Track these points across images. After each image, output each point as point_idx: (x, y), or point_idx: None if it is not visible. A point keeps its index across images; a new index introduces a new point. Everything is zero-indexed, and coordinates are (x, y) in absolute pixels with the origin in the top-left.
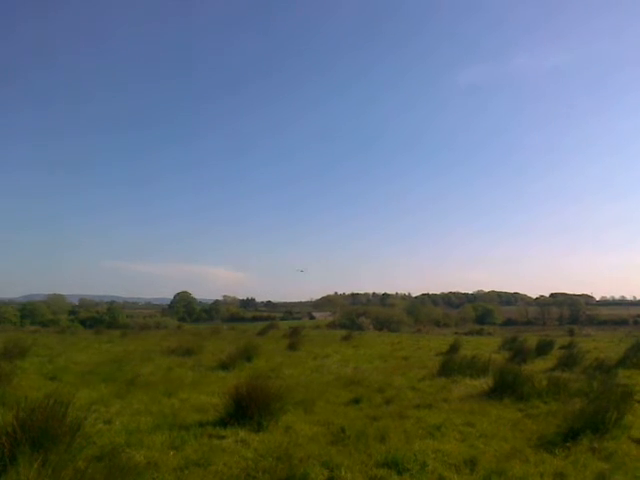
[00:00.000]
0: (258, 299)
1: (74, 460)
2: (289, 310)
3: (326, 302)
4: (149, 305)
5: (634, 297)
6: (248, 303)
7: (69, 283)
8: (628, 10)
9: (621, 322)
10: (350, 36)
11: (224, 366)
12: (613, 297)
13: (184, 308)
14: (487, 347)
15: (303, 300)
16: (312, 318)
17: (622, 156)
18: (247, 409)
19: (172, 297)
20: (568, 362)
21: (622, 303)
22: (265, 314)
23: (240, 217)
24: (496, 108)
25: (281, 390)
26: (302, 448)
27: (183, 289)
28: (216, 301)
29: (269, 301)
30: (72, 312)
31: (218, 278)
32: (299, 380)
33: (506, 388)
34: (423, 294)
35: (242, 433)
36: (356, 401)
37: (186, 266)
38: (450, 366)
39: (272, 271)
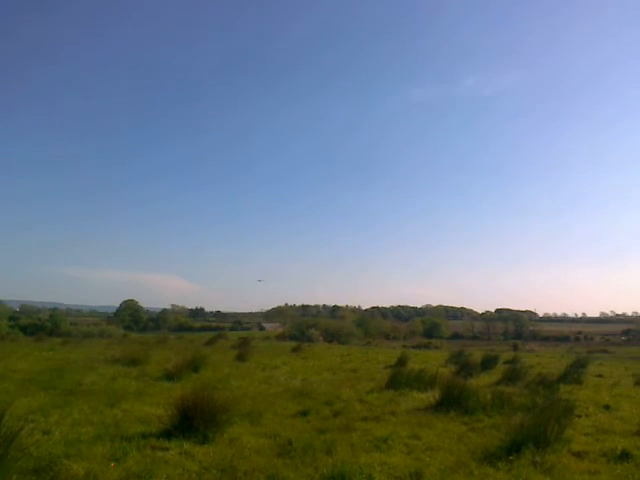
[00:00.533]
0: (207, 309)
1: (8, 473)
2: (238, 320)
3: (276, 313)
4: (94, 313)
5: (575, 314)
6: (197, 313)
7: (9, 288)
8: (569, 31)
9: (563, 338)
10: (303, 49)
11: (170, 376)
12: (555, 314)
13: (130, 317)
14: (434, 361)
15: (253, 311)
16: (262, 329)
17: (562, 173)
18: (192, 420)
19: (118, 305)
20: (512, 377)
21: (564, 320)
22: (214, 324)
23: (190, 227)
24: (445, 125)
25: (228, 401)
26: (248, 460)
27: (130, 297)
28: (164, 310)
29: (218, 311)
30: (12, 318)
31: (167, 287)
32: (247, 391)
33: (452, 402)
34: (373, 307)
35: (187, 445)
36: (304, 413)
37: (134, 274)
38: (398, 379)
39: (222, 281)
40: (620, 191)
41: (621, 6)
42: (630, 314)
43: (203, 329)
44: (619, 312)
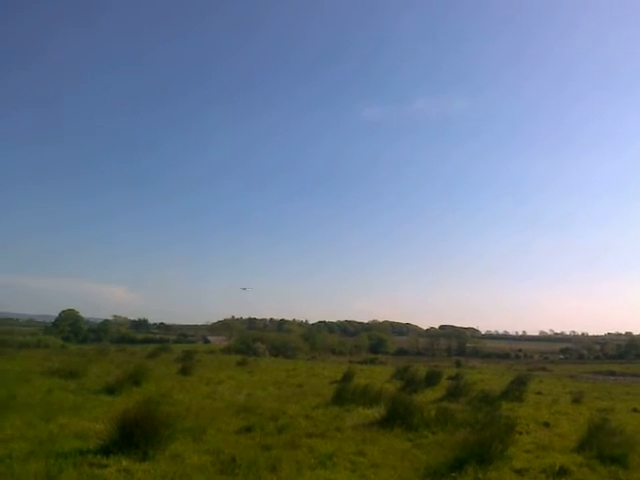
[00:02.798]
0: (151, 320)
1: None
2: (183, 333)
3: (222, 326)
4: (31, 322)
5: (516, 332)
6: (140, 324)
7: None
8: (517, 59)
9: (504, 355)
10: (260, 65)
11: (110, 390)
12: (497, 331)
13: (70, 327)
14: (380, 376)
15: (199, 323)
16: (207, 342)
17: (516, 194)
18: (133, 436)
19: (57, 315)
20: (455, 393)
21: (505, 337)
22: (157, 336)
23: (133, 234)
24: (399, 147)
25: (170, 417)
26: (189, 478)
27: (70, 307)
28: (105, 321)
29: (162, 323)
30: None
31: (109, 297)
32: (190, 406)
33: (397, 418)
34: (320, 321)
35: (126, 462)
36: (248, 429)
37: (74, 282)
38: (344, 395)
39: (167, 292)
40: (567, 213)
41: (562, 34)
42: (568, 333)
43: (146, 341)
44: (557, 331)
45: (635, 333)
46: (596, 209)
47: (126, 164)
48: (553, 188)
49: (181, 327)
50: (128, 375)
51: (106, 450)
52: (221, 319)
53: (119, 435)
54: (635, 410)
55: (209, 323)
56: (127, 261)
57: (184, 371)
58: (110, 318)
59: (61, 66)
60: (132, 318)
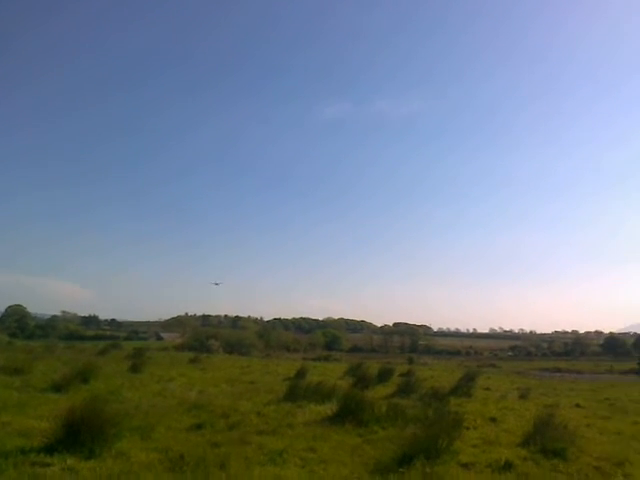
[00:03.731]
0: (102, 317)
1: None
2: (135, 330)
3: (176, 323)
4: None
5: (467, 330)
6: (90, 321)
7: None
8: (473, 64)
9: (455, 352)
10: (219, 64)
11: (57, 387)
12: (448, 328)
13: (16, 323)
14: (333, 373)
15: (151, 320)
16: (160, 339)
17: (475, 195)
18: (78, 434)
19: (4, 310)
20: (406, 389)
21: (456, 335)
22: (108, 333)
23: (85, 230)
24: (361, 147)
25: (118, 414)
26: (135, 476)
27: (17, 302)
28: (54, 317)
29: (113, 319)
30: None
31: (58, 292)
32: (139, 404)
33: (348, 414)
34: (275, 318)
35: (70, 460)
36: (198, 426)
37: (21, 277)
38: (296, 391)
39: (118, 288)
40: (521, 212)
41: (522, 33)
42: (517, 331)
43: (96, 338)
44: (507, 329)
45: (581, 332)
46: (546, 210)
47: (76, 161)
48: (510, 186)
49: (133, 324)
50: (76, 372)
51: (50, 449)
52: (174, 316)
53: (64, 433)
54: (578, 405)
55: (162, 320)
56: (78, 256)
57: (134, 368)
58: (59, 314)
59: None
60: (82, 314)
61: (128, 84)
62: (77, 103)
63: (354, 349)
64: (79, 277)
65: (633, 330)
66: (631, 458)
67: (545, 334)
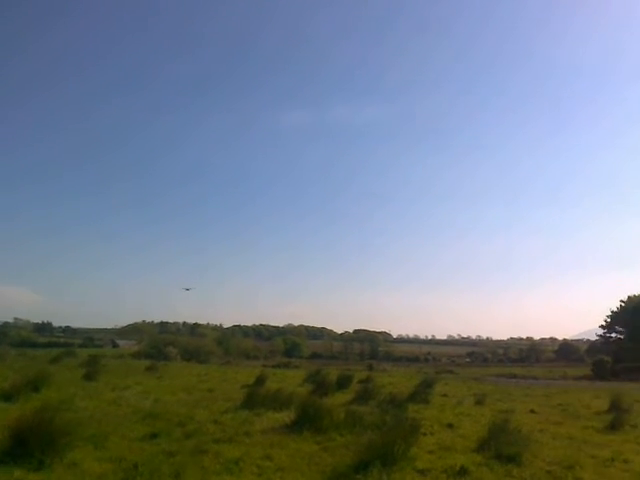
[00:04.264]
0: (55, 324)
1: None
2: (90, 337)
3: (132, 330)
4: None
5: (426, 336)
6: (43, 327)
7: None
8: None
9: (414, 359)
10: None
11: (6, 397)
12: (408, 335)
13: None
14: (292, 380)
15: (107, 327)
16: (115, 346)
17: (428, 201)
18: (27, 445)
19: None
20: (365, 396)
21: (415, 341)
22: (62, 340)
23: (35, 231)
24: (316, 152)
25: (70, 424)
26: None
27: None
28: (5, 324)
29: (68, 326)
30: None
31: (9, 298)
32: (93, 413)
33: (306, 421)
34: (235, 325)
35: (18, 472)
36: (154, 436)
37: None
38: (255, 399)
39: (72, 294)
40: (474, 219)
41: (470, 42)
42: (474, 337)
43: (49, 345)
44: (464, 335)
45: (536, 338)
46: (500, 215)
47: (29, 159)
48: (462, 193)
49: (88, 331)
50: (26, 380)
51: None
52: (131, 322)
53: (12, 444)
54: (532, 411)
55: (118, 327)
56: (30, 261)
57: (88, 376)
58: (10, 321)
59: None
60: (35, 321)
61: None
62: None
63: (314, 356)
64: (31, 282)
65: (586, 337)
66: (581, 462)
67: (501, 340)
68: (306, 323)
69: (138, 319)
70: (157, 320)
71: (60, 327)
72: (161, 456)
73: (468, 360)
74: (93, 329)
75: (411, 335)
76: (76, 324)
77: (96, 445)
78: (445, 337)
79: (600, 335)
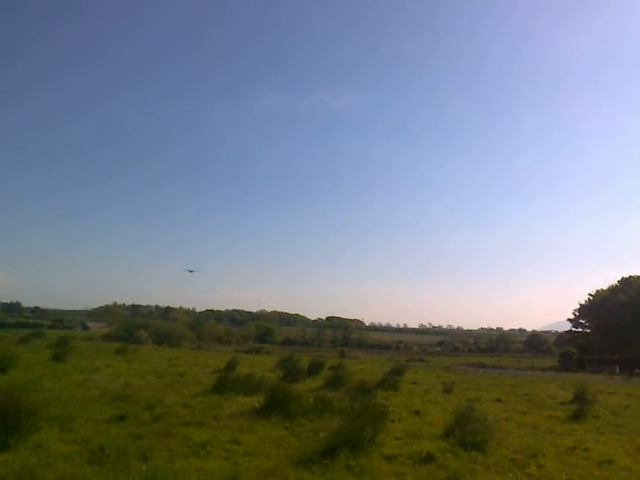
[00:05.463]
0: (24, 304)
1: None
2: (60, 318)
3: (103, 312)
4: None
5: (397, 325)
6: (12, 307)
7: None
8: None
9: (386, 347)
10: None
11: None
12: (380, 323)
13: None
14: (264, 366)
15: (78, 308)
16: (86, 328)
17: (399, 194)
18: None
19: None
20: (335, 382)
21: (387, 329)
22: (31, 321)
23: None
24: (293, 137)
25: (36, 404)
26: (53, 468)
27: None
28: None
29: (37, 307)
30: None
31: None
32: (60, 394)
33: (275, 406)
34: (208, 310)
35: None
36: (121, 418)
37: None
38: (225, 383)
39: (43, 274)
40: (445, 212)
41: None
42: (445, 327)
43: (18, 326)
44: (436, 324)
45: (505, 329)
46: (466, 210)
47: None
48: (434, 186)
49: (58, 312)
50: None
51: None
52: (102, 305)
53: None
54: (499, 400)
55: (89, 309)
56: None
57: (57, 358)
58: None
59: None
60: (3, 301)
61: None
62: None
63: (287, 342)
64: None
65: (554, 329)
66: (544, 450)
67: (472, 330)
68: (279, 309)
69: (109, 301)
70: (129, 303)
71: (29, 308)
72: (128, 438)
73: (438, 349)
74: (63, 310)
75: (384, 323)
76: (46, 305)
77: (62, 427)
78: (417, 326)
79: (567, 328)
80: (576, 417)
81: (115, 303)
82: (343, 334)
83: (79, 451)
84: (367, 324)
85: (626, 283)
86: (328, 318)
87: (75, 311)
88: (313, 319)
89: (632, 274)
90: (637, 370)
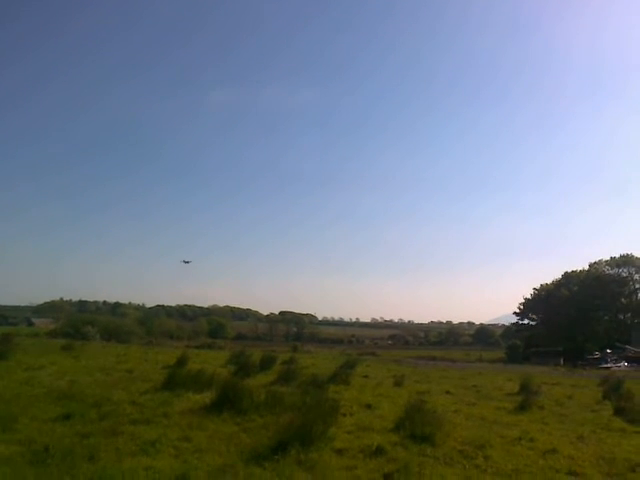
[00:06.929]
0: None
1: None
2: (3, 315)
3: (49, 308)
4: None
5: (350, 319)
6: None
7: None
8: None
9: (338, 341)
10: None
11: None
12: (333, 318)
13: None
14: (215, 361)
15: (22, 304)
16: (31, 324)
17: (359, 190)
18: None
19: None
20: (287, 377)
21: (340, 324)
22: None
23: None
24: (245, 130)
25: None
26: None
27: None
28: None
29: None
30: None
31: None
32: (3, 393)
33: (227, 402)
34: (158, 305)
35: None
36: (67, 417)
37: None
38: (175, 379)
39: None
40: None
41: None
42: (396, 320)
43: None
44: (387, 318)
45: (454, 322)
46: (425, 207)
47: None
48: (393, 182)
49: (1, 308)
50: None
51: None
52: (48, 300)
53: None
54: (448, 392)
55: (34, 304)
56: None
57: (0, 356)
58: None
59: None
60: None
61: None
62: None
63: (239, 337)
64: None
65: (501, 322)
66: (492, 441)
67: (422, 324)
68: (231, 304)
69: (55, 297)
70: (76, 298)
71: None
72: (74, 438)
73: (390, 342)
74: (7, 306)
75: (336, 318)
76: None
77: (4, 427)
78: (369, 320)
79: (514, 321)
80: (522, 408)
81: (61, 299)
82: (296, 329)
83: (22, 452)
84: (320, 318)
85: (568, 278)
86: (281, 313)
87: (19, 307)
88: (265, 314)
89: (574, 269)
90: (580, 362)
